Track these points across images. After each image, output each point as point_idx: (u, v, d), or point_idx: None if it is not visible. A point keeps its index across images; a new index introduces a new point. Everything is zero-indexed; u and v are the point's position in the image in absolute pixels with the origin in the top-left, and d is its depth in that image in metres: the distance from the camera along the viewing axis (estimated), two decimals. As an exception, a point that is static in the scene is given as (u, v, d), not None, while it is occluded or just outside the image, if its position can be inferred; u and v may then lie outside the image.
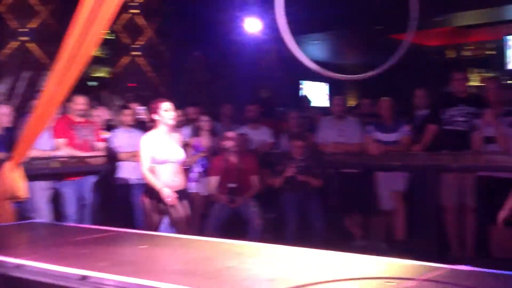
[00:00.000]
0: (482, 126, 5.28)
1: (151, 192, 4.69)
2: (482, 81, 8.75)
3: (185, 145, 6.63)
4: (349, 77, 4.21)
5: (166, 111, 4.69)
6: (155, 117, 4.71)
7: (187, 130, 6.82)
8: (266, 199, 6.49)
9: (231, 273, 2.84)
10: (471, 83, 8.96)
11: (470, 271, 2.79)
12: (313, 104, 9.76)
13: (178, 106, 8.02)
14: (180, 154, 4.79)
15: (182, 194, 4.78)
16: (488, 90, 5.43)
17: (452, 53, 9.76)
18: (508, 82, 9.01)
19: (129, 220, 6.44)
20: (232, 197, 6.00)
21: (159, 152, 4.68)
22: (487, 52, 9.46)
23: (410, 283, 2.51)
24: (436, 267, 2.84)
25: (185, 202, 4.80)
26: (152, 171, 4.69)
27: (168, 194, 4.57)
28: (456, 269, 2.82)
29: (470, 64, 9.46)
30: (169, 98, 8.74)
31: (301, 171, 6.00)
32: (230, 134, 6.19)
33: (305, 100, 9.57)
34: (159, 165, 4.67)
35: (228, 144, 6.13)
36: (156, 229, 4.70)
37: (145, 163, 4.67)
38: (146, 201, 4.73)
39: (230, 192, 6.03)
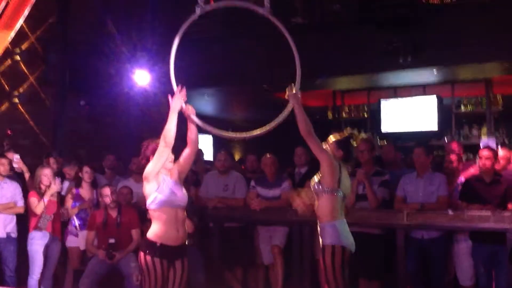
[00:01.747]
0: (354, 185, 5.61)
1: (150, 246, 3.92)
2: (356, 142, 9.29)
3: (65, 197, 6.45)
4: (233, 136, 4.35)
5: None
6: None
7: (66, 183, 6.63)
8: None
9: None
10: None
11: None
12: (205, 157, 9.84)
13: (59, 156, 7.87)
14: (186, 198, 4.11)
15: (183, 251, 4.06)
16: (360, 150, 5.80)
17: (332, 114, 10.31)
18: (383, 143, 9.64)
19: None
20: (110, 252, 5.82)
21: (165, 192, 3.96)
22: (364, 115, 10.09)
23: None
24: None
25: (185, 262, 4.05)
26: (153, 216, 3.97)
27: None
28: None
29: (348, 125, 10.04)
30: (49, 147, 8.60)
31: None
32: (106, 190, 6.03)
33: (199, 153, 9.63)
34: (164, 208, 3.95)
35: (105, 200, 6.01)
36: None
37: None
38: (144, 258, 3.91)
39: (109, 247, 5.86)
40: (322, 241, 4.22)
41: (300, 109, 4.22)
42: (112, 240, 5.88)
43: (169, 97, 4.06)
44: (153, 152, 4.02)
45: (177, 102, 3.98)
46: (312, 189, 4.38)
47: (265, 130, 4.19)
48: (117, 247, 5.88)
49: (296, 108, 4.22)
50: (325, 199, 4.24)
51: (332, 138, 4.48)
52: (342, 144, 4.43)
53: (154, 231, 3.94)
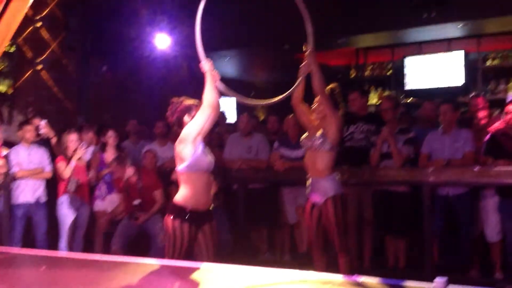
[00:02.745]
0: (378, 143, 5.58)
1: (179, 211, 3.81)
2: (380, 100, 9.19)
3: (90, 162, 6.54)
4: (255, 103, 4.30)
5: None
6: (187, 119, 3.89)
7: (91, 148, 6.70)
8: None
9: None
10: (372, 102, 9.40)
11: (363, 281, 2.96)
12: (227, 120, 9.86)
13: (85, 121, 7.95)
14: (213, 162, 3.95)
15: (211, 214, 3.98)
16: (383, 108, 5.74)
17: (355, 72, 10.17)
18: (407, 101, 9.53)
19: (29, 241, 6.23)
20: (135, 213, 5.94)
21: (201, 156, 3.80)
22: (387, 72, 9.93)
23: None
24: (332, 278, 2.98)
25: (213, 224, 3.98)
26: (183, 180, 3.81)
27: None
28: (351, 280, 2.98)
29: (372, 83, 9.92)
30: (74, 113, 8.68)
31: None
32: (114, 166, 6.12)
33: (221, 115, 9.63)
34: (198, 172, 3.79)
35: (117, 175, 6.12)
36: (182, 258, 3.75)
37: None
38: (172, 222, 3.79)
39: (134, 208, 5.97)
40: (326, 193, 4.41)
41: (316, 67, 4.34)
42: (136, 202, 5.97)
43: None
44: (184, 112, 3.89)
45: (206, 64, 3.85)
46: (309, 145, 4.53)
47: (283, 96, 4.20)
48: (142, 208, 6.00)
49: (313, 66, 4.33)
50: (328, 154, 4.46)
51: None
52: (332, 100, 4.58)
53: (183, 196, 3.80)
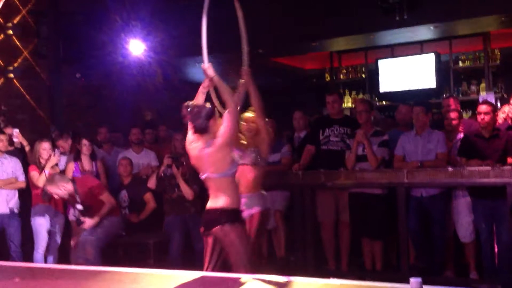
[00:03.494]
0: (353, 146, 5.62)
1: (236, 215, 3.80)
2: (353, 103, 9.27)
3: (65, 171, 6.46)
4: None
5: None
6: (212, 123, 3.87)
7: (65, 157, 6.63)
8: (152, 223, 6.44)
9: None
10: (347, 105, 9.48)
11: (340, 284, 2.98)
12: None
13: (57, 129, 7.85)
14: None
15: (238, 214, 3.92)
16: (358, 111, 5.78)
17: (329, 76, 10.23)
18: (381, 103, 9.62)
19: (4, 252, 6.14)
20: (78, 218, 5.81)
21: (236, 158, 3.93)
22: (362, 75, 10.01)
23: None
24: (310, 282, 2.99)
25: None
26: (227, 185, 3.80)
27: None
28: (328, 283, 3.00)
29: (346, 87, 10.00)
30: (47, 121, 8.57)
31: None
32: (51, 189, 5.81)
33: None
34: (234, 175, 3.88)
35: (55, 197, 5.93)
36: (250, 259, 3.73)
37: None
38: (237, 229, 3.73)
39: (79, 213, 5.87)
40: (254, 208, 4.48)
41: (253, 85, 4.41)
42: (79, 206, 5.81)
43: (202, 67, 4.06)
44: (210, 116, 3.82)
45: (210, 69, 4.00)
46: (251, 163, 4.54)
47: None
48: (88, 214, 5.84)
49: (250, 85, 4.37)
50: (262, 170, 4.59)
51: (250, 113, 4.65)
52: None
53: (233, 199, 3.78)
